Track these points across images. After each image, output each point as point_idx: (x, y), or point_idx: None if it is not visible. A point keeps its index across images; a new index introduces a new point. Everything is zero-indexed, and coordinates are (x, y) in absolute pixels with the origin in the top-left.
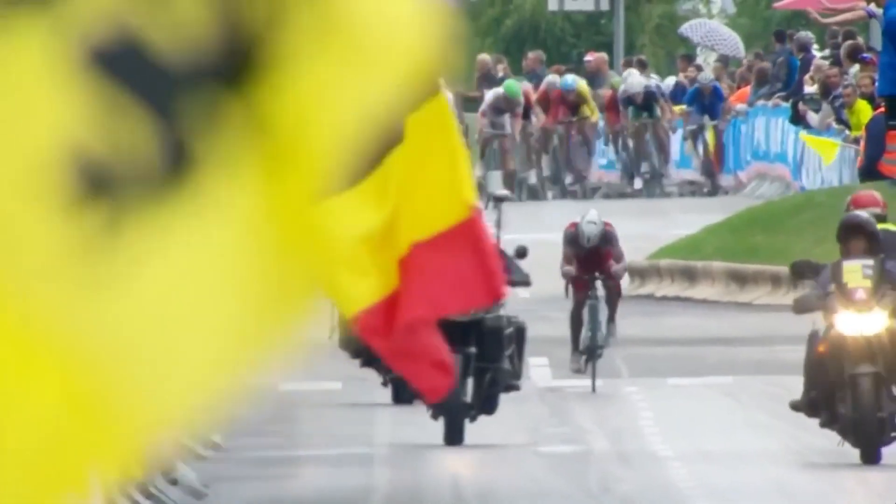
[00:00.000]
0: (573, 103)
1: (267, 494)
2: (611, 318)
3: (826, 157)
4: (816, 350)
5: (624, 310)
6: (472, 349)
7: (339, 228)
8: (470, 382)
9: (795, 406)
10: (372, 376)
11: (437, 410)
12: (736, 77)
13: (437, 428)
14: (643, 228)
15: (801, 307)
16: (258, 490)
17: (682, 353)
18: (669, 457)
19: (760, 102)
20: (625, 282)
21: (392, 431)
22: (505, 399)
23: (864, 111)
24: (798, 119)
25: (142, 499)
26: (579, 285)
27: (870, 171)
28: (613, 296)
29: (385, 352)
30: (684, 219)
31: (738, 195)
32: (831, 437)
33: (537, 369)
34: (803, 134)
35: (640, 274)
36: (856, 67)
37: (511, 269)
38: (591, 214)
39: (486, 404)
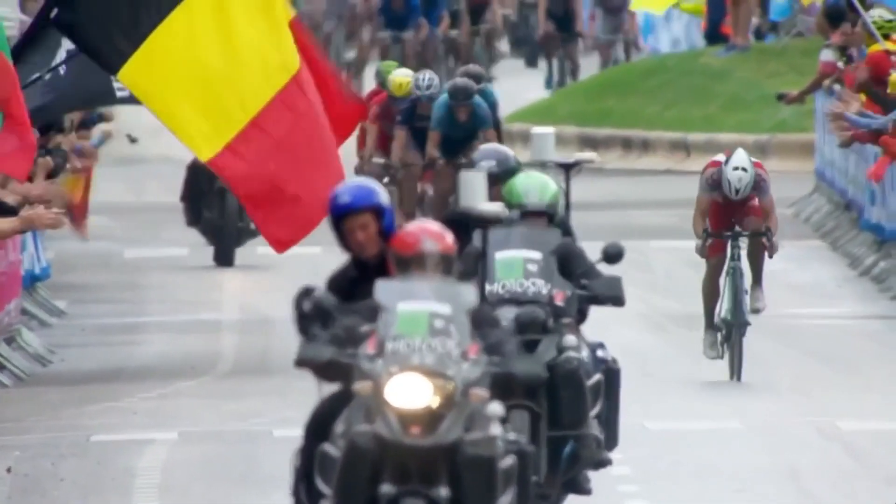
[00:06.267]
0: None
1: (113, 361)
2: (756, 282)
3: (658, 8)
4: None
5: None
6: (537, 408)
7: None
8: (542, 457)
9: None
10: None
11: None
12: None
13: (284, 293)
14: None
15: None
16: (104, 357)
17: None
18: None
19: None
20: None
21: (240, 297)
22: None
23: None
24: None
25: None
26: (716, 245)
27: (714, 34)
28: (759, 254)
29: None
30: (537, 82)
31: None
32: (685, 306)
33: None
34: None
35: None
36: None
37: (591, 276)
38: (738, 156)
39: (568, 488)
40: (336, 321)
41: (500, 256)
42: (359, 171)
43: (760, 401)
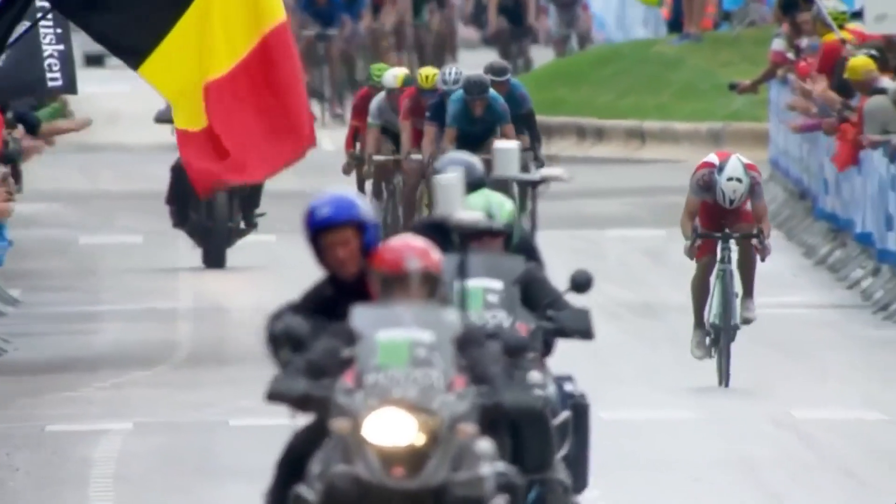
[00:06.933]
0: None
1: (68, 350)
2: (747, 293)
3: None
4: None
5: None
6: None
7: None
8: None
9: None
10: (171, 229)
11: None
12: None
13: (239, 283)
14: None
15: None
16: (59, 346)
17: None
18: None
19: None
20: None
21: (195, 286)
22: None
23: None
24: None
25: None
26: (706, 245)
27: (677, 24)
28: (750, 262)
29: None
30: None
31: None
32: (640, 295)
33: None
34: None
35: None
36: None
37: (558, 307)
38: (732, 166)
39: None
40: (310, 348)
41: (458, 286)
42: (345, 170)
43: (716, 390)
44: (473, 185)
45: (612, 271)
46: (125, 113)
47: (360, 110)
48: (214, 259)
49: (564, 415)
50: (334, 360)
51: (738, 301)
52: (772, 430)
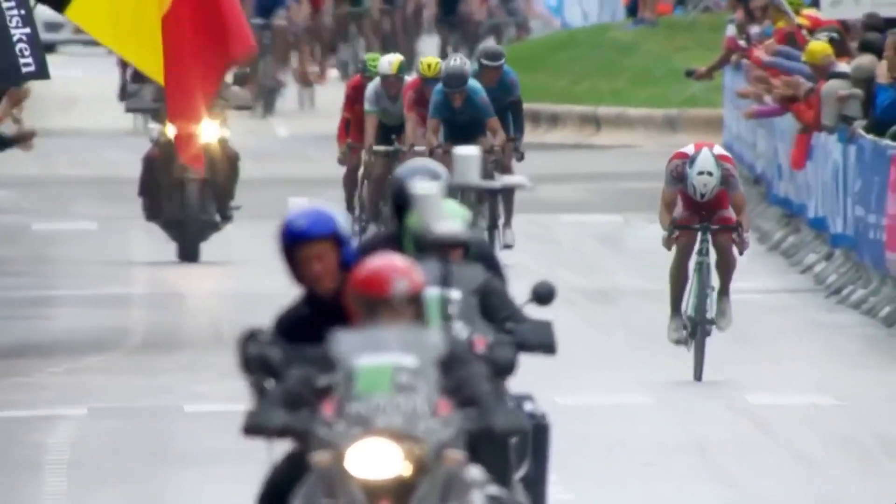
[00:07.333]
0: None
1: (21, 336)
2: (723, 291)
3: None
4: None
5: None
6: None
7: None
8: None
9: None
10: (128, 215)
11: None
12: None
13: (194, 268)
14: None
15: None
16: (11, 331)
17: None
18: None
19: None
20: None
21: (148, 271)
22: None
23: None
24: None
25: None
26: (685, 235)
27: (636, 8)
28: (727, 264)
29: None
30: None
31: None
32: (593, 280)
33: None
34: None
35: None
36: None
37: (518, 320)
38: (703, 159)
39: None
40: (286, 377)
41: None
42: (341, 161)
43: (670, 375)
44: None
45: (567, 257)
46: (79, 98)
47: (353, 101)
48: (188, 252)
49: (523, 469)
50: (311, 389)
51: (714, 294)
52: (726, 415)
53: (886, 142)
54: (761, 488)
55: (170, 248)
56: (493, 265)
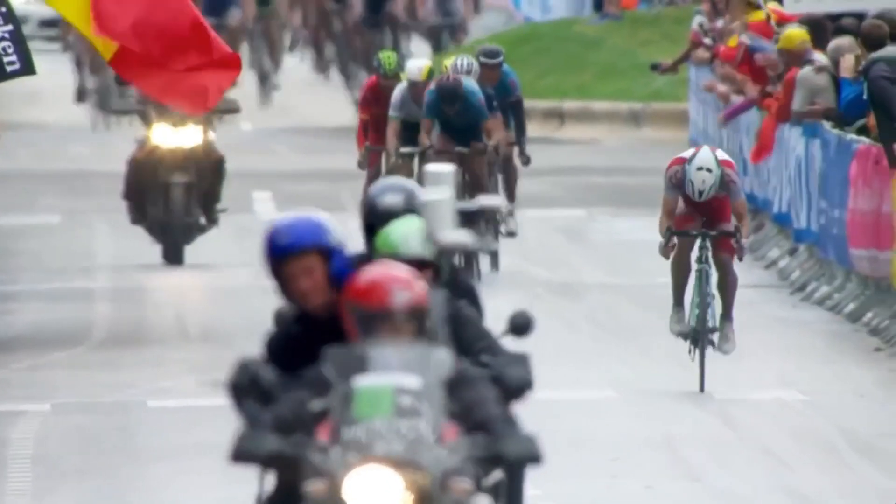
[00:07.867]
0: None
1: None
2: (725, 315)
3: None
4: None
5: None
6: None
7: None
8: None
9: None
10: (92, 209)
11: None
12: None
13: (156, 263)
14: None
15: None
16: None
17: None
18: None
19: None
20: (350, 117)
21: (113, 266)
22: (227, 226)
23: None
24: None
25: None
26: (685, 221)
27: (601, 3)
28: (729, 284)
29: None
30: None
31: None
32: (557, 275)
33: (262, 204)
34: None
35: None
36: None
37: (493, 352)
38: (703, 156)
39: None
40: (278, 400)
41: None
42: (361, 164)
43: (635, 370)
44: (416, 210)
45: (530, 251)
46: (43, 92)
47: (370, 102)
48: (172, 255)
49: (496, 476)
50: (305, 414)
51: (714, 304)
52: (690, 409)
53: (851, 136)
54: (727, 482)
55: (134, 243)
56: (468, 287)
